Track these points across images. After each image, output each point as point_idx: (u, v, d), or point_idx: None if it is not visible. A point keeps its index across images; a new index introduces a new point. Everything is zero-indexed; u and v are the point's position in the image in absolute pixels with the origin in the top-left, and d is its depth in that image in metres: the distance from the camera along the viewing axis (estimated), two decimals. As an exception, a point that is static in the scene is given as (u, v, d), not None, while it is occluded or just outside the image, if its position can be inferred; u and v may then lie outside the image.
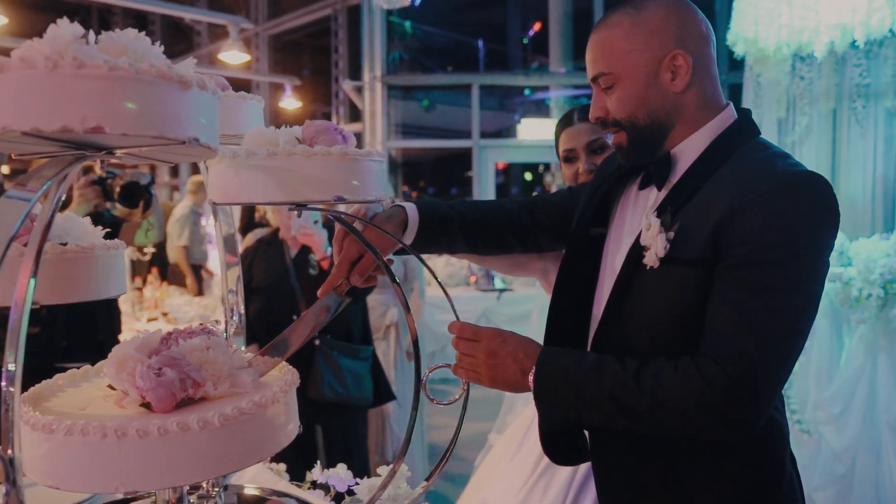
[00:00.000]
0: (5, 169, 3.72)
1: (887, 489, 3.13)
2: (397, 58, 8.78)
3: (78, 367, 1.16)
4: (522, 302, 5.66)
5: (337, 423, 3.03)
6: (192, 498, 1.23)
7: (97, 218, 2.96)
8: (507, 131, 9.11)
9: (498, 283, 6.23)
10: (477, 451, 2.46)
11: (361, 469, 2.31)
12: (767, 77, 3.75)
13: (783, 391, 3.47)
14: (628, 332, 1.17)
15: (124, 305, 4.26)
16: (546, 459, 1.37)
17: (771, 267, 1.03)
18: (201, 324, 1.11)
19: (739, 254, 1.05)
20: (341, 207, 1.17)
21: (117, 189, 2.96)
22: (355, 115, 8.88)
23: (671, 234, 1.10)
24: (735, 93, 6.77)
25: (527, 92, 8.87)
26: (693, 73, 1.15)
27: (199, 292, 6.00)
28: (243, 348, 1.40)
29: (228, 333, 1.41)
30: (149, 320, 4.47)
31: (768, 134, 3.81)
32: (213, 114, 0.89)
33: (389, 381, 3.63)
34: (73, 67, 0.73)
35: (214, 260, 6.24)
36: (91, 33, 0.82)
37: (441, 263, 6.38)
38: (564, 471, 1.72)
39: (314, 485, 1.46)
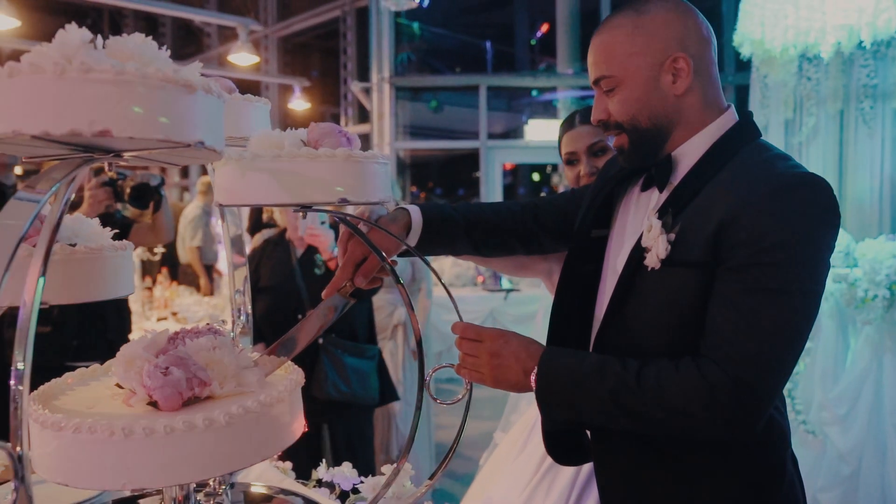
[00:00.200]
0: (18, 170, 3.76)
1: (893, 490, 3.12)
2: (405, 59, 8.80)
3: (86, 367, 1.18)
4: (529, 302, 5.66)
5: (342, 422, 3.04)
6: (200, 496, 1.25)
7: (108, 219, 2.99)
8: (514, 132, 9.11)
9: (505, 284, 6.24)
10: (482, 449, 2.47)
11: (367, 467, 2.33)
12: (774, 78, 3.74)
13: (789, 392, 3.45)
14: (630, 332, 1.17)
15: (134, 305, 4.30)
16: (550, 459, 1.37)
17: (771, 268, 1.04)
18: (208, 324, 1.13)
19: (740, 255, 1.05)
20: (349, 209, 1.19)
21: (127, 190, 2.99)
22: (364, 116, 8.91)
23: (672, 236, 1.11)
24: (742, 94, 6.74)
25: (534, 93, 8.87)
26: (694, 76, 1.16)
27: (212, 292, 6.05)
28: (250, 348, 1.41)
29: (235, 333, 1.43)
30: (158, 320, 4.50)
31: (775, 135, 3.80)
32: (218, 117, 0.90)
33: (397, 380, 3.65)
34: (81, 72, 0.75)
35: (224, 260, 6.27)
36: (99, 38, 0.83)
37: (448, 264, 6.39)
38: (568, 470, 1.73)
39: (319, 483, 1.47)
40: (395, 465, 1.25)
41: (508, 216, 1.44)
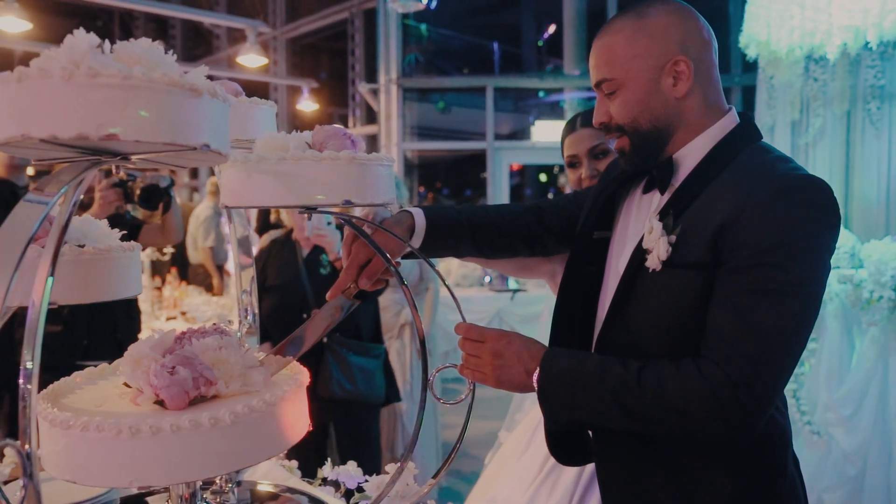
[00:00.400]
0: (30, 170, 3.81)
1: (898, 491, 3.11)
2: (413, 60, 8.82)
3: (95, 366, 1.19)
4: (535, 302, 5.66)
5: (348, 421, 3.06)
6: (207, 494, 1.26)
7: (118, 220, 3.03)
8: (521, 133, 9.11)
9: (511, 284, 6.24)
10: (488, 448, 2.48)
11: (373, 466, 2.34)
12: (780, 79, 3.73)
13: (794, 392, 3.43)
14: (631, 333, 1.18)
15: (144, 305, 4.33)
16: (553, 459, 1.38)
17: (771, 270, 1.04)
18: (214, 324, 1.14)
19: (740, 257, 1.06)
20: (355, 211, 1.20)
21: (137, 192, 3.02)
22: (371, 117, 8.93)
23: (673, 238, 1.12)
24: (749, 94, 6.71)
25: (541, 94, 8.87)
26: (695, 79, 1.16)
27: (223, 292, 6.09)
28: (256, 347, 1.43)
29: (241, 333, 1.44)
30: (167, 319, 4.54)
31: (782, 135, 3.79)
32: (224, 120, 0.91)
33: (404, 379, 3.67)
34: (89, 77, 0.76)
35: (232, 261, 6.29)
36: (107, 42, 0.85)
37: (455, 264, 6.40)
38: (571, 470, 1.74)
39: (325, 481, 1.49)
40: (398, 463, 1.26)
41: (512, 218, 1.45)
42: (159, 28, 12.43)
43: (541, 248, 1.48)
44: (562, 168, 8.29)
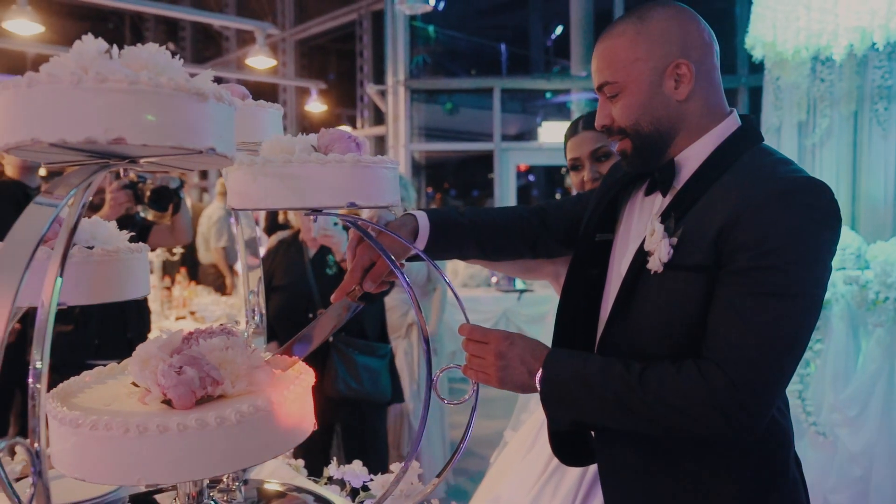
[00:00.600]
0: (42, 171, 3.86)
1: (904, 491, 3.09)
2: (420, 62, 8.84)
3: (104, 365, 1.21)
4: (542, 303, 5.66)
5: (355, 420, 3.08)
6: (214, 492, 1.28)
7: (128, 221, 3.06)
8: (529, 134, 9.11)
9: (518, 284, 6.24)
10: (495, 448, 2.49)
11: (380, 465, 2.35)
12: (786, 80, 3.73)
13: (799, 393, 3.41)
14: (633, 335, 1.18)
15: (153, 304, 4.37)
16: (557, 459, 1.39)
17: (772, 272, 1.05)
18: (221, 324, 1.15)
19: (741, 259, 1.06)
20: (363, 213, 1.21)
21: (148, 193, 3.05)
22: (379, 118, 8.95)
23: (674, 240, 1.12)
24: (755, 95, 6.68)
25: (548, 95, 8.87)
26: (696, 82, 1.17)
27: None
28: (263, 348, 1.44)
29: (248, 333, 1.45)
30: (177, 319, 4.57)
31: (789, 136, 3.78)
32: (229, 124, 0.92)
33: (412, 378, 3.68)
34: (97, 82, 0.77)
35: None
36: (115, 48, 0.86)
37: (463, 265, 6.40)
38: (574, 470, 1.74)
39: (330, 480, 1.50)
40: (403, 462, 1.27)
41: (515, 221, 1.46)
42: (170, 30, 12.52)
43: (544, 250, 1.49)
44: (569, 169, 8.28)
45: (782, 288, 1.05)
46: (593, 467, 1.70)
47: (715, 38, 1.21)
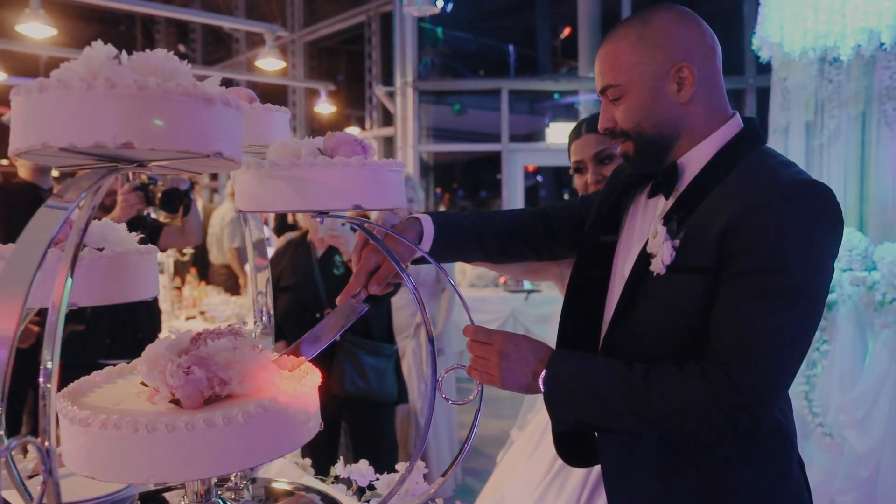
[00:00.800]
0: (55, 171, 3.92)
1: (911, 494, 3.07)
2: (429, 63, 8.85)
3: (114, 364, 1.23)
4: (550, 303, 5.66)
5: (362, 419, 3.09)
6: (223, 491, 1.29)
7: (139, 222, 3.09)
8: (536, 135, 9.11)
9: (526, 285, 6.23)
10: (503, 447, 2.50)
11: (388, 464, 2.36)
12: (793, 81, 3.71)
13: (806, 394, 3.39)
14: (636, 336, 1.19)
15: (164, 304, 4.40)
16: (561, 459, 1.39)
17: (774, 274, 1.05)
18: (229, 325, 1.17)
19: (743, 261, 1.07)
20: (373, 215, 1.21)
21: (158, 195, 3.08)
22: (388, 119, 8.97)
23: (677, 242, 1.12)
24: (763, 96, 6.65)
25: (556, 96, 8.87)
26: (698, 84, 1.17)
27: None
28: (271, 348, 1.46)
29: (256, 333, 1.47)
30: (187, 318, 4.60)
31: (796, 137, 3.75)
32: (237, 128, 0.94)
33: (421, 378, 3.69)
34: (106, 87, 0.79)
35: (252, 262, 6.34)
36: (124, 53, 0.88)
37: (470, 265, 6.40)
38: (579, 471, 1.75)
39: (337, 479, 1.51)
40: (409, 462, 1.28)
41: (518, 224, 1.46)
42: (180, 32, 12.60)
43: (547, 252, 1.50)
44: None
45: (784, 290, 1.05)
46: (597, 469, 1.71)
47: (717, 41, 1.22)
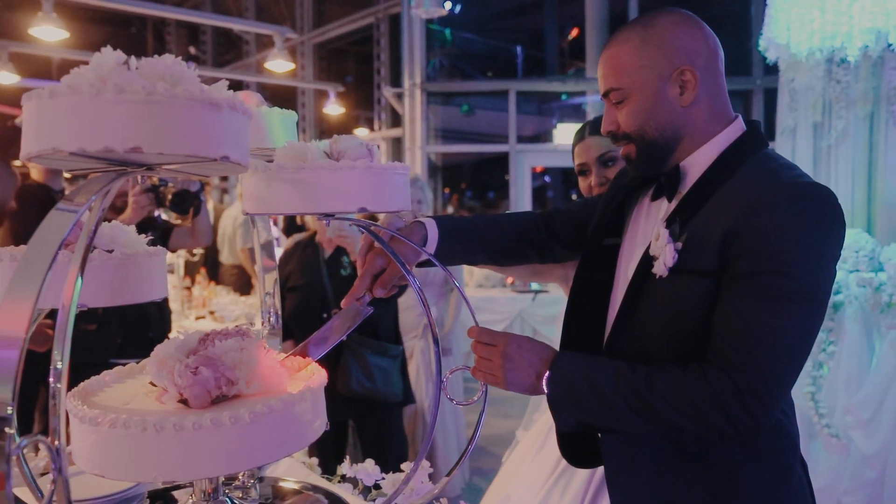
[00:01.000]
0: (67, 173, 3.96)
1: (917, 494, 3.05)
2: (437, 64, 8.87)
3: (124, 364, 1.24)
4: (557, 303, 5.65)
5: (370, 419, 3.11)
6: (231, 489, 1.30)
7: (149, 223, 3.12)
8: (544, 135, 9.11)
9: (534, 285, 6.22)
10: (509, 447, 2.50)
11: (396, 464, 2.38)
12: (801, 82, 3.70)
13: (812, 395, 3.37)
14: (639, 338, 1.20)
15: (174, 304, 4.43)
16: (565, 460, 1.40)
17: (776, 277, 1.05)
18: (237, 326, 1.18)
19: (745, 263, 1.07)
20: (381, 218, 1.22)
21: (169, 196, 3.11)
22: (396, 120, 9.00)
23: (679, 245, 1.13)
24: (771, 97, 6.62)
25: (563, 97, 8.86)
26: (700, 88, 1.18)
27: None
28: (279, 348, 1.47)
29: (263, 334, 1.48)
30: (197, 318, 4.63)
31: (804, 138, 3.74)
32: (243, 132, 0.95)
33: (428, 377, 3.70)
34: (115, 93, 0.80)
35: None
36: (132, 59, 0.89)
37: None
38: (583, 472, 1.75)
39: (344, 478, 1.52)
40: (414, 462, 1.29)
41: (522, 227, 1.47)
42: (191, 34, 12.67)
43: (551, 255, 1.50)
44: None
45: (786, 293, 1.05)
46: (601, 470, 1.71)
47: (719, 44, 1.22)
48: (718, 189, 1.15)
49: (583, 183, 1.80)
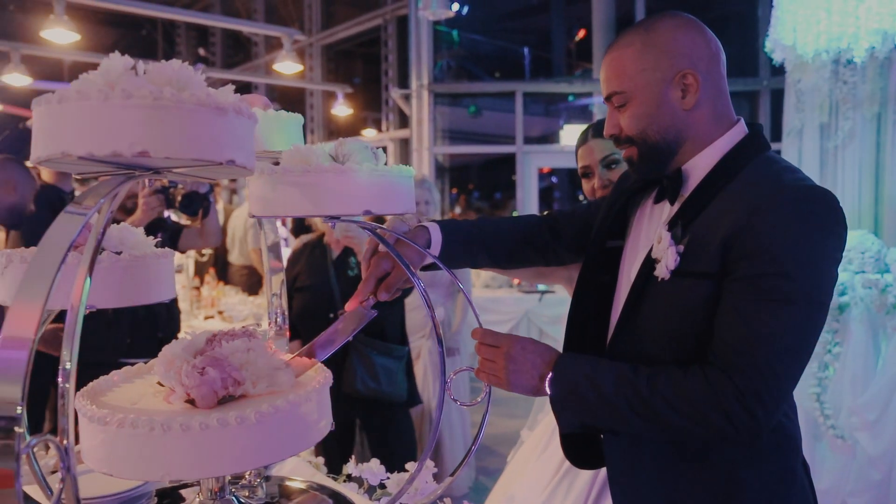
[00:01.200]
0: (76, 175, 3.99)
1: (923, 496, 3.03)
2: (444, 66, 8.88)
3: (132, 364, 1.26)
4: (564, 304, 5.59)
5: (375, 419, 3.12)
6: (237, 488, 1.32)
7: (159, 224, 3.15)
8: (551, 136, 9.10)
9: (540, 286, 6.21)
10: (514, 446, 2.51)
11: (402, 464, 2.39)
12: (807, 83, 3.69)
13: (818, 396, 3.36)
14: (642, 340, 1.20)
15: (183, 304, 4.46)
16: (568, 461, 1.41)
17: (777, 279, 1.06)
18: (243, 327, 1.19)
19: (746, 266, 1.08)
20: (388, 220, 1.23)
21: (178, 198, 3.14)
22: (404, 121, 9.02)
23: (681, 248, 1.13)
24: (777, 98, 6.58)
25: (570, 98, 8.86)
26: (702, 91, 1.18)
27: (261, 294, 6.17)
28: (285, 349, 1.48)
29: (270, 334, 1.49)
30: (205, 318, 4.65)
31: (810, 139, 3.72)
32: (249, 136, 0.96)
33: (435, 377, 3.71)
34: (122, 98, 0.82)
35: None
36: (140, 64, 0.91)
37: (481, 269, 6.39)
38: (587, 472, 1.75)
39: (349, 478, 1.53)
40: (418, 462, 1.30)
41: (525, 230, 1.48)
42: (200, 36, 12.73)
43: (554, 257, 1.51)
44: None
45: (787, 295, 1.06)
46: (605, 470, 1.71)
47: (721, 47, 1.23)
48: (720, 192, 1.16)
49: (586, 185, 1.81)
